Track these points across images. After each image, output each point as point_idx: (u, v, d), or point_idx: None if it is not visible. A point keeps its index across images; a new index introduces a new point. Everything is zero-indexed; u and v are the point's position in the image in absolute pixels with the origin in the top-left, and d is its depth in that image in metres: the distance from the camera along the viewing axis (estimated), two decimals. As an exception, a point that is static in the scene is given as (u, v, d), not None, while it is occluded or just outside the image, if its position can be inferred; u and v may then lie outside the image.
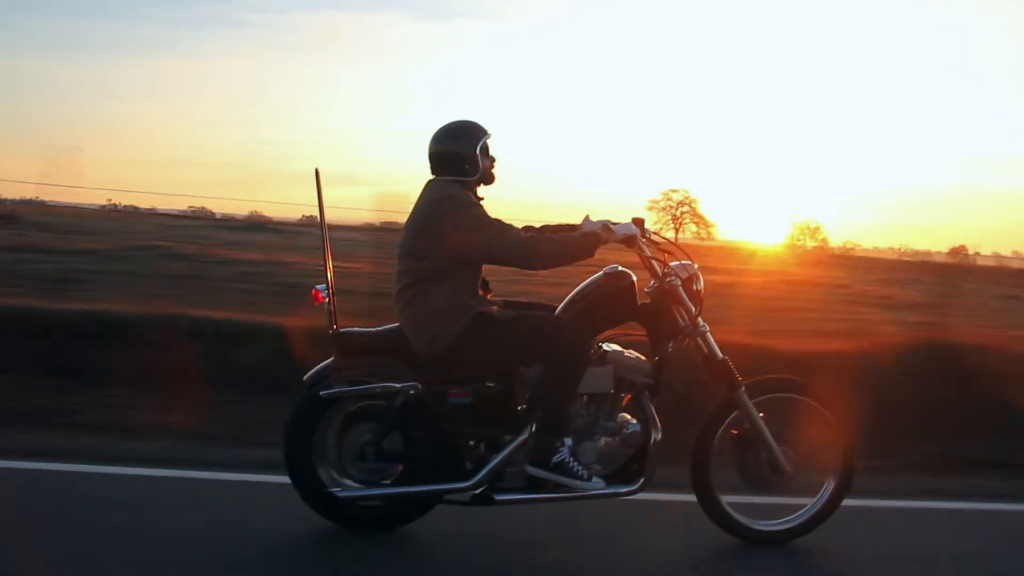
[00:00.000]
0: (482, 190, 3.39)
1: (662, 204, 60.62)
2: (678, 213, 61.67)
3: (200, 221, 36.31)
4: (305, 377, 3.34)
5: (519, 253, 3.16)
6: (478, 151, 3.27)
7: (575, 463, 3.26)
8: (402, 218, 3.49)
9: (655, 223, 57.72)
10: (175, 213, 39.11)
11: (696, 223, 62.11)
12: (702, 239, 58.73)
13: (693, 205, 61.56)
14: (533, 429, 3.28)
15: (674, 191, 61.09)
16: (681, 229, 60.77)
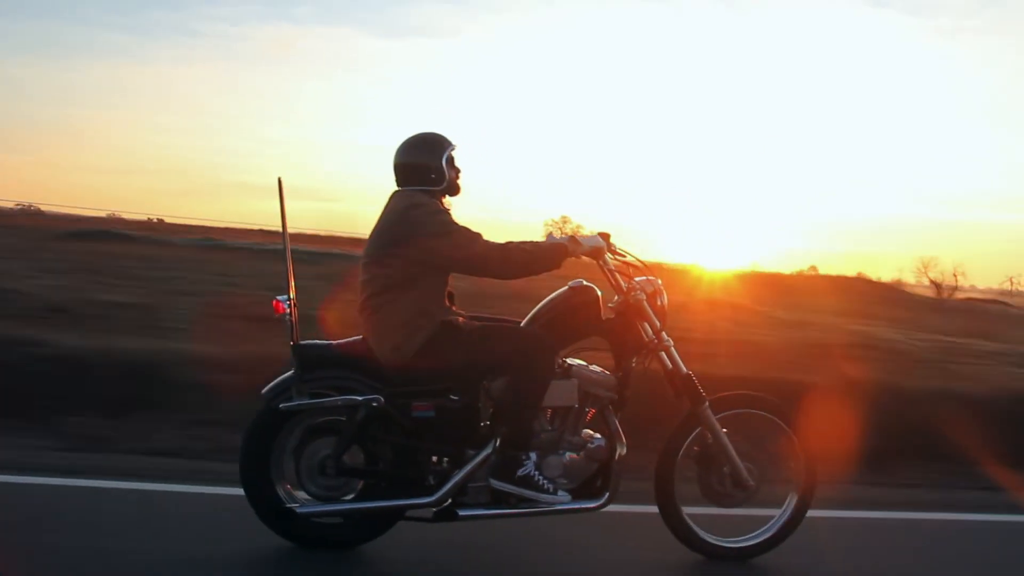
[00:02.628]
0: (449, 203, 3.39)
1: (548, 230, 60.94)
2: None
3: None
4: (264, 390, 3.27)
5: (486, 261, 3.15)
6: (444, 162, 3.27)
7: (540, 477, 3.22)
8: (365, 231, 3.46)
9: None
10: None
11: None
12: None
13: (577, 230, 62.32)
14: (497, 443, 3.24)
15: (563, 219, 61.57)
16: None
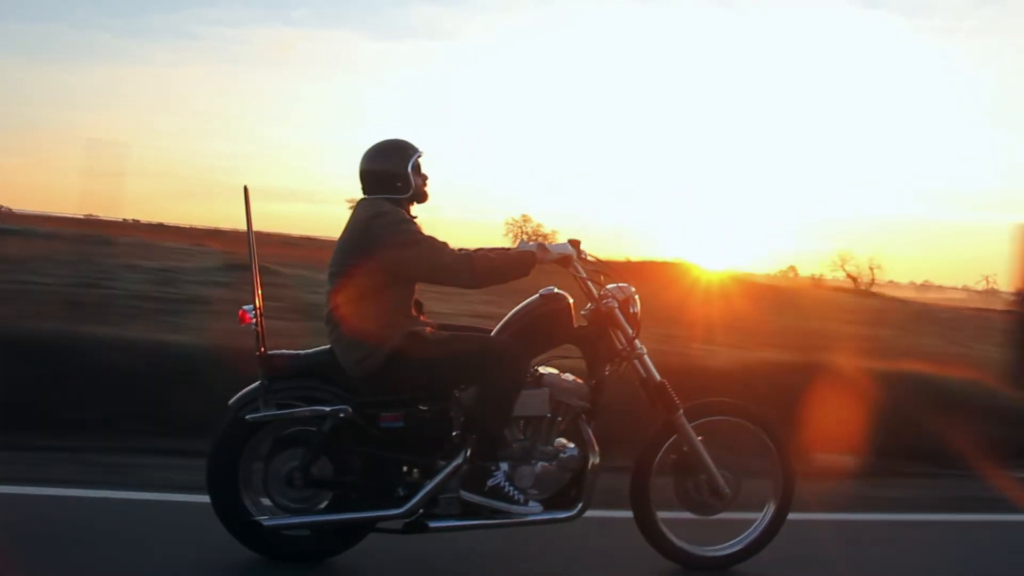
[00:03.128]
0: (418, 209, 3.36)
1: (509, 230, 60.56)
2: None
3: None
4: (231, 401, 3.23)
5: (453, 270, 3.11)
6: (410, 169, 3.23)
7: (511, 488, 3.18)
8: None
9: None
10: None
11: None
12: None
13: (537, 230, 62.30)
14: (468, 454, 3.20)
15: (524, 218, 61.03)
16: None
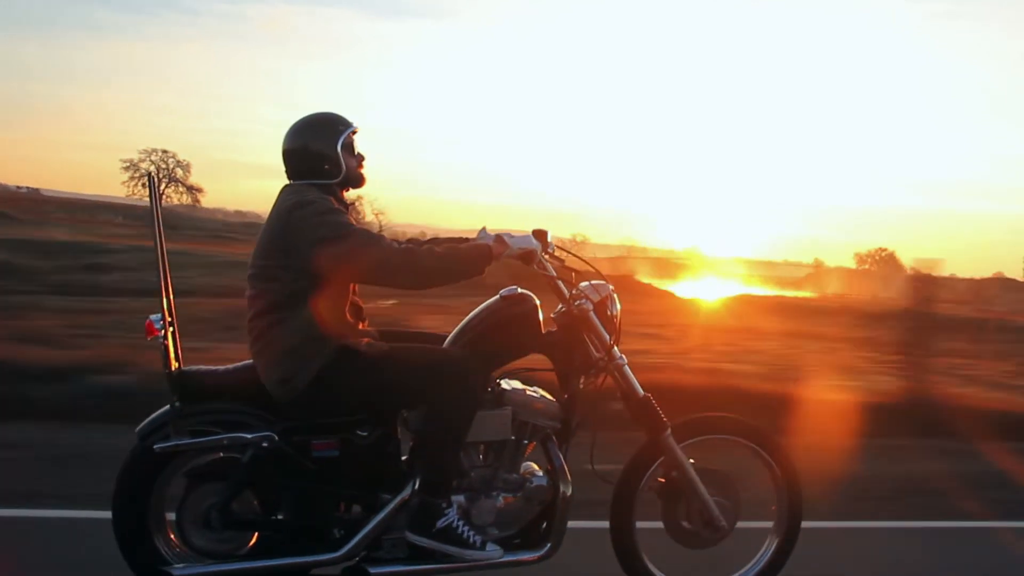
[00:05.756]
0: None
1: (143, 168, 59.26)
2: (161, 177, 60.09)
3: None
4: (138, 428, 2.75)
5: (391, 268, 2.58)
6: (340, 148, 2.73)
7: (465, 527, 2.70)
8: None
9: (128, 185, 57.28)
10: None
11: (183, 190, 61.83)
12: (188, 206, 58.97)
13: (178, 170, 61.02)
14: (415, 487, 2.72)
15: (160, 151, 60.38)
16: (164, 194, 59.87)
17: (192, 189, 63.01)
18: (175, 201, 60.64)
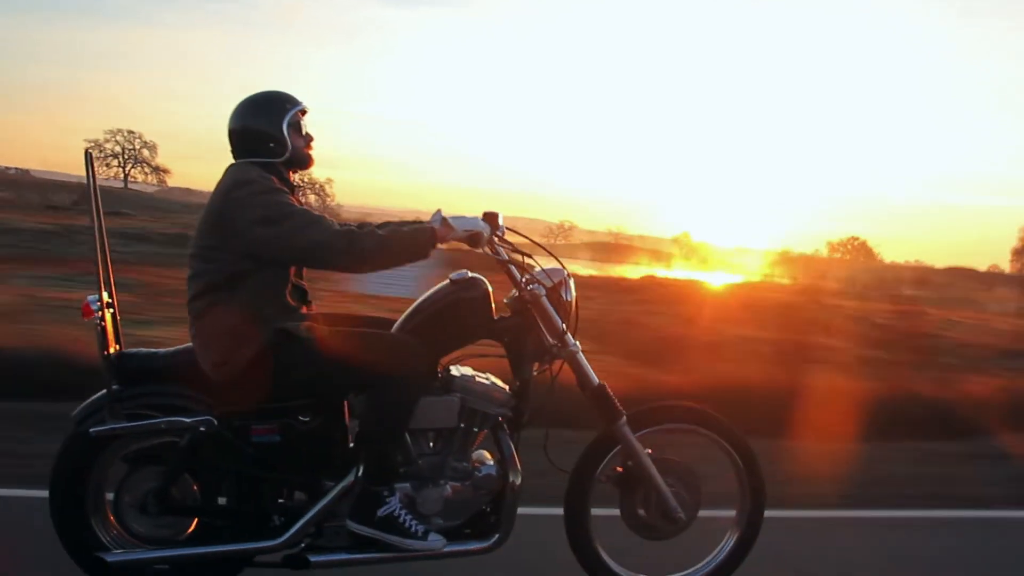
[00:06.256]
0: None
1: (110, 149, 59.54)
2: (126, 158, 60.70)
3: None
4: (74, 412, 2.69)
5: (328, 249, 2.50)
6: (285, 127, 2.64)
7: (407, 516, 2.62)
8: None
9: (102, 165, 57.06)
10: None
11: (149, 170, 62.12)
12: (154, 185, 59.57)
13: (145, 150, 61.25)
14: (359, 474, 2.65)
15: (126, 131, 60.69)
16: (131, 175, 60.75)
17: (158, 170, 63.65)
18: (141, 181, 61.19)
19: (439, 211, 2.77)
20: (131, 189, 56.77)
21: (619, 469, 2.93)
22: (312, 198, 58.88)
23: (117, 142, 60.90)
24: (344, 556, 2.67)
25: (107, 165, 59.03)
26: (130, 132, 61.75)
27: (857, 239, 63.68)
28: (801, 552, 3.58)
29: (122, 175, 60.56)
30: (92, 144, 59.87)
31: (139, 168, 62.45)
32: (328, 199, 60.87)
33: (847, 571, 3.48)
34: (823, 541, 3.83)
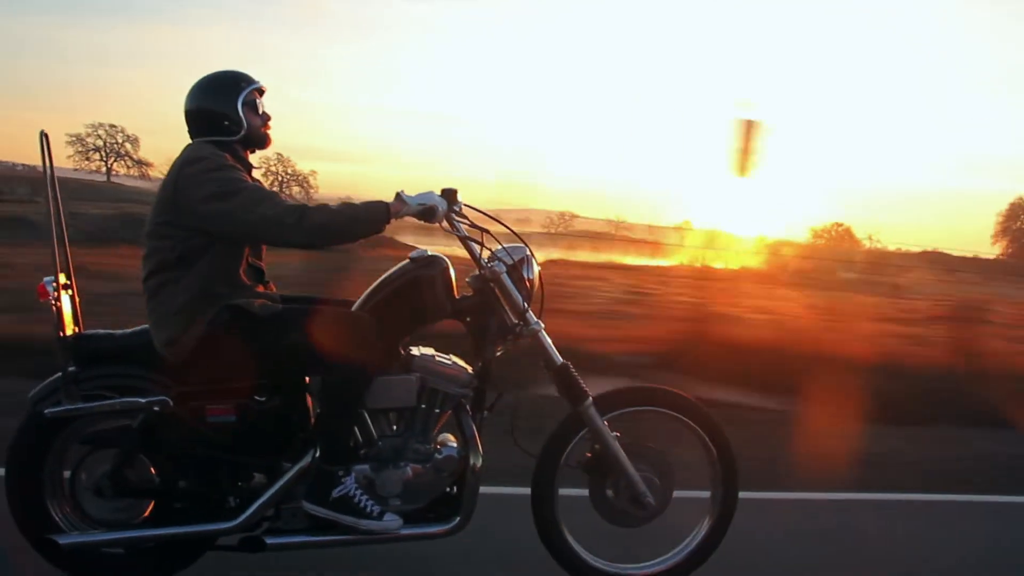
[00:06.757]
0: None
1: (92, 143, 59.70)
2: (108, 152, 60.70)
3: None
4: (31, 393, 2.67)
5: (278, 224, 2.46)
6: (240, 106, 2.63)
7: (363, 497, 2.57)
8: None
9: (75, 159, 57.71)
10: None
11: (131, 163, 62.00)
12: (136, 177, 59.18)
13: (127, 144, 61.24)
14: (316, 455, 2.60)
15: (108, 125, 60.76)
16: (113, 168, 60.63)
17: (140, 163, 63.95)
18: (123, 174, 61.65)
19: (402, 191, 2.73)
20: (113, 182, 57.72)
21: (588, 454, 2.87)
22: (296, 190, 59.26)
23: (99, 136, 61.81)
24: (301, 539, 2.62)
25: (88, 159, 59.96)
26: (112, 126, 62.61)
27: (841, 225, 63.26)
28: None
29: (104, 168, 61.30)
30: (73, 137, 60.70)
31: (121, 162, 63.14)
32: (312, 191, 61.19)
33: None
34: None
